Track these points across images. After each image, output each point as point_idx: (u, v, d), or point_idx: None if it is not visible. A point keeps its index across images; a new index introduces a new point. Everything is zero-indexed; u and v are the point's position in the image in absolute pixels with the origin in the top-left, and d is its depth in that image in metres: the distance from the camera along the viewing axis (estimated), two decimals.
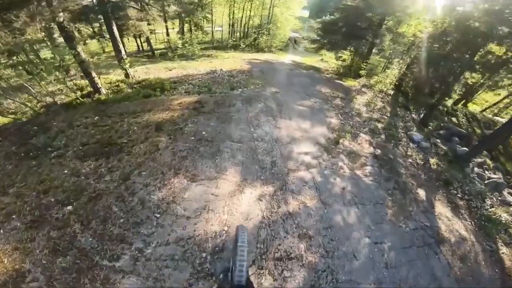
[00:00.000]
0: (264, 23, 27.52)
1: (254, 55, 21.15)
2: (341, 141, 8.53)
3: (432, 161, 9.71)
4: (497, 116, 20.72)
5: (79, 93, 10.34)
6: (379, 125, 10.86)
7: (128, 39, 27.57)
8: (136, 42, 26.06)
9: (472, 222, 7.40)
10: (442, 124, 13.78)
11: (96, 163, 6.24)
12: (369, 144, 9.05)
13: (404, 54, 19.30)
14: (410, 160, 9.16)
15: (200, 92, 10.43)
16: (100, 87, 10.25)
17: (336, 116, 10.41)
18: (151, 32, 21.38)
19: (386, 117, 12.05)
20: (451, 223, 6.91)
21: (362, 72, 18.28)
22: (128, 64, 11.72)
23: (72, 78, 11.47)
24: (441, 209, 7.32)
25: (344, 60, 21.40)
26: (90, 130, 7.50)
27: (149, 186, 5.67)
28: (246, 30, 28.65)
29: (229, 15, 26.92)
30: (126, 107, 8.86)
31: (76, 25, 14.72)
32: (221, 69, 13.66)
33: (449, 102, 20.21)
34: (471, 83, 16.84)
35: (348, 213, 6.02)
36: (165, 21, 23.14)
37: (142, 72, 13.52)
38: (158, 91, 10.41)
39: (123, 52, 11.67)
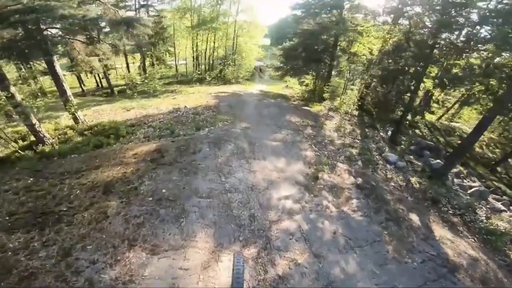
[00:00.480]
0: (229, 54, 27.58)
1: (221, 87, 20.70)
2: (320, 175, 7.89)
3: (413, 180, 9.40)
4: (452, 122, 21.69)
5: (20, 143, 8.88)
6: (354, 151, 10.51)
7: (86, 75, 26.09)
8: (95, 78, 24.65)
9: (475, 238, 6.99)
10: (412, 141, 13.84)
11: (27, 236, 5.00)
12: (349, 174, 8.52)
13: (363, 73, 20.14)
14: (393, 184, 8.75)
15: (161, 136, 9.40)
16: (44, 136, 8.81)
17: (310, 148, 9.89)
18: (108, 68, 20.15)
19: (358, 141, 11.82)
20: (455, 245, 6.37)
21: (325, 95, 18.38)
22: (75, 107, 10.31)
23: (15, 124, 9.92)
24: (440, 231, 6.82)
25: (307, 85, 21.81)
26: (20, 196, 6.10)
27: (97, 263, 4.52)
28: (211, 62, 28.51)
29: (193, 48, 26.72)
30: (69, 164, 7.48)
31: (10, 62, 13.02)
32: (185, 107, 12.81)
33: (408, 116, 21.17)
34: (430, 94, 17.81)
35: (346, 261, 5.21)
36: (125, 56, 22.20)
37: (97, 114, 12.28)
38: (112, 138, 9.22)
39: (68, 93, 10.17)
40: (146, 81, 17.24)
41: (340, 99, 17.78)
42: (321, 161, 8.89)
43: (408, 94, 12.89)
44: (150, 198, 5.91)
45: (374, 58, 16.70)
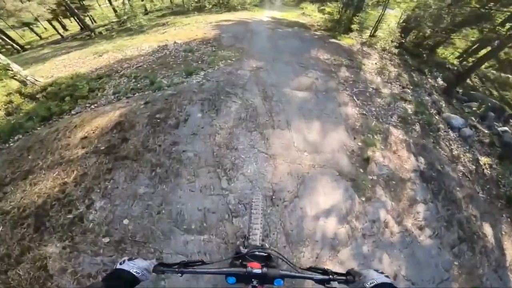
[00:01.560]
0: None
1: (224, 15, 15.86)
2: (370, 154, 4.95)
3: (483, 161, 6.43)
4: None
5: None
6: (408, 107, 7.27)
7: (70, 19, 21.26)
8: (76, 21, 19.50)
9: None
10: (480, 101, 10.02)
11: None
12: (407, 149, 5.52)
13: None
14: (461, 168, 5.80)
15: (136, 90, 6.10)
16: None
17: (351, 100, 6.61)
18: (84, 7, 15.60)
19: (408, 91, 8.39)
20: None
21: (354, 26, 14.41)
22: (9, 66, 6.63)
23: None
24: None
25: (331, 14, 16.72)
26: None
27: None
28: None
29: None
30: None
31: None
32: (175, 42, 8.95)
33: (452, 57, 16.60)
34: None
35: None
36: None
37: (61, 66, 8.72)
38: (67, 101, 6.01)
39: None
40: (125, 17, 12.83)
41: (373, 31, 13.65)
42: (369, 126, 5.78)
43: None
44: (106, 240, 3.03)
45: None
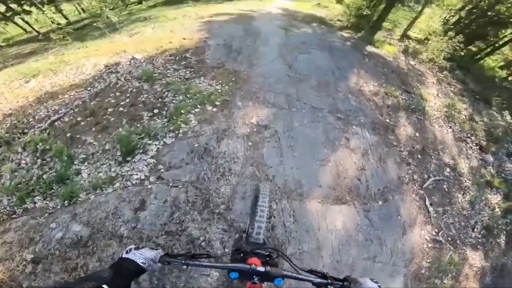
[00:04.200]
0: None
1: (224, 5, 11.47)
2: None
3: None
4: None
5: None
6: (495, 200, 4.09)
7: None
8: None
9: None
10: None
11: None
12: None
13: None
14: None
15: (34, 196, 2.71)
16: None
17: (421, 209, 3.43)
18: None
19: (490, 158, 4.78)
20: None
21: (386, 24, 11.14)
22: None
23: None
24: None
25: (360, 8, 12.19)
26: None
27: None
28: None
29: None
30: None
31: None
32: (133, 58, 4.99)
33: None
34: None
35: None
36: None
37: None
38: None
39: None
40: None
41: (406, 30, 10.38)
42: (441, 263, 2.97)
43: None
44: None
45: None
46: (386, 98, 4.83)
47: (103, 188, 2.68)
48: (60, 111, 3.87)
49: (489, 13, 10.05)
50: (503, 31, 10.78)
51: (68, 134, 3.42)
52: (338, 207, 2.94)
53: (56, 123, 3.68)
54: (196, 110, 3.65)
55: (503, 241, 3.65)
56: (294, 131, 3.56)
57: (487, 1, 9.86)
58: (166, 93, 3.95)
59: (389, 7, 9.75)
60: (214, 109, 3.69)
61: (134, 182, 2.74)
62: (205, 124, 3.44)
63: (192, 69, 4.57)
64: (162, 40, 5.97)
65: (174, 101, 3.81)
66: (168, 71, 4.56)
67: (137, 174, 2.82)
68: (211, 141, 3.18)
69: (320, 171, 3.23)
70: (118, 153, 3.03)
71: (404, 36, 10.31)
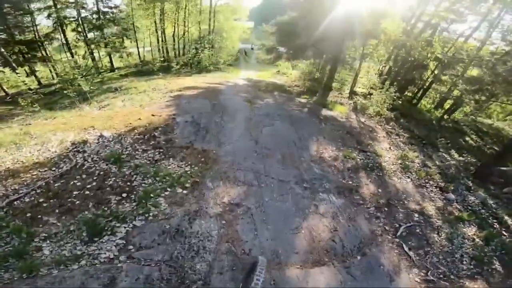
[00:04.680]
0: (205, 36, 18.97)
1: (193, 78, 12.69)
2: None
3: None
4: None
5: None
6: (470, 232, 4.35)
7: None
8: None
9: None
10: None
11: None
12: None
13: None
14: None
15: None
16: None
17: (402, 256, 3.50)
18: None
19: (452, 195, 5.17)
20: None
21: (335, 84, 12.63)
22: None
23: None
24: None
25: (310, 72, 14.31)
26: None
27: None
28: (182, 46, 19.70)
29: (156, 28, 17.75)
30: None
31: None
32: (101, 136, 5.04)
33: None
34: None
35: None
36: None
37: None
38: None
39: None
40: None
41: (352, 88, 11.76)
42: None
43: None
44: None
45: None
46: (346, 161, 5.26)
47: (67, 265, 2.47)
48: (21, 191, 3.57)
49: (409, 59, 11.75)
50: (424, 73, 12.46)
51: (29, 214, 3.15)
52: (319, 269, 2.94)
53: (15, 202, 3.36)
54: (166, 193, 3.60)
55: (498, 266, 3.67)
56: (265, 205, 3.61)
57: (403, 49, 11.53)
58: (135, 176, 3.90)
59: (333, 69, 11.22)
60: (185, 191, 3.67)
61: (102, 260, 2.55)
62: (175, 206, 3.38)
63: (161, 150, 4.67)
64: (131, 115, 6.19)
65: (143, 185, 3.75)
66: (137, 151, 4.61)
67: (105, 253, 2.63)
68: (183, 222, 3.13)
69: (295, 239, 3.26)
70: (84, 234, 2.84)
71: (351, 93, 11.54)
